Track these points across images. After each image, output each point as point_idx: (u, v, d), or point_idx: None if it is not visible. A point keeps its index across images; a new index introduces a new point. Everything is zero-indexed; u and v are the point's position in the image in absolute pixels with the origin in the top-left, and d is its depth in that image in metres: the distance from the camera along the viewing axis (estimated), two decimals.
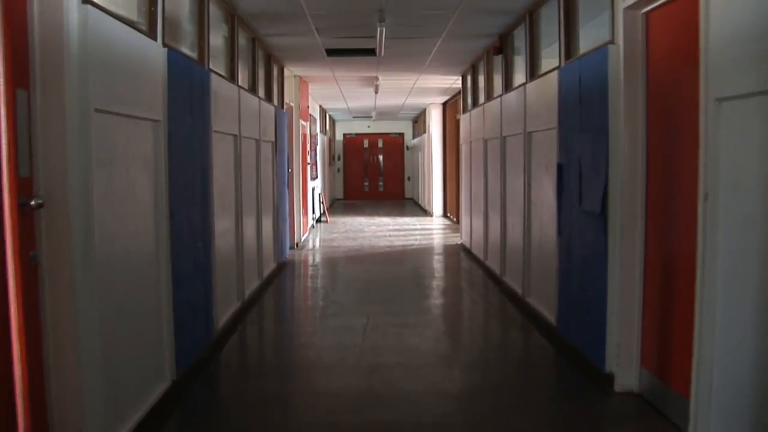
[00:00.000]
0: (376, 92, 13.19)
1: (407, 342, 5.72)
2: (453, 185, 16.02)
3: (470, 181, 10.32)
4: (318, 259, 10.66)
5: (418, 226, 15.06)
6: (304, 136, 12.68)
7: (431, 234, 13.77)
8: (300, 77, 11.46)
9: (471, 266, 9.53)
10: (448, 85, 13.23)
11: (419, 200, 21.14)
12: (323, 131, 18.67)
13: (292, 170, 11.04)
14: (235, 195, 6.44)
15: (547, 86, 5.82)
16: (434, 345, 5.75)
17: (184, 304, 4.52)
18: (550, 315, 5.74)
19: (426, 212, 18.42)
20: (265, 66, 8.78)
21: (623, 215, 4.21)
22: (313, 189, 14.99)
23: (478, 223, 9.58)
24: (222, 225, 5.85)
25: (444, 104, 17.05)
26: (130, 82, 3.64)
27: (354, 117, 22.31)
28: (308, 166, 13.07)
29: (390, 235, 13.22)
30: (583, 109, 4.85)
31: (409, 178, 24.69)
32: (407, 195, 24.70)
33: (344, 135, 24.79)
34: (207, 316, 5.23)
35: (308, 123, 13.40)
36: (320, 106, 17.48)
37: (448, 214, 16.81)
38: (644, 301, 4.18)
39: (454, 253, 10.85)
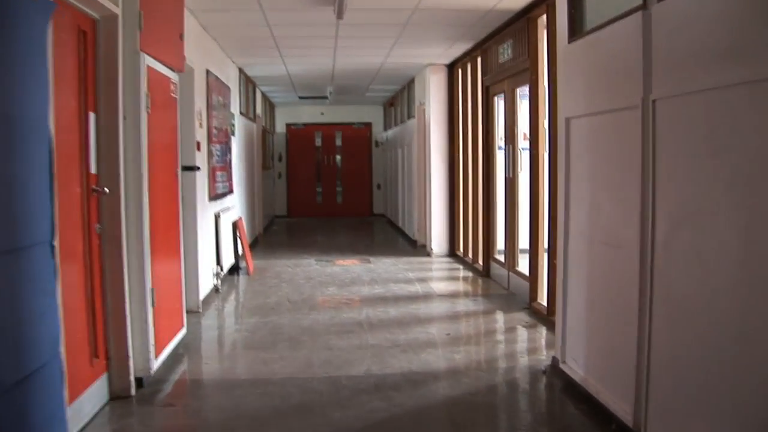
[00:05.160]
0: (340, 16, 6.14)
1: None
2: (475, 205, 9.04)
3: (637, 198, 3.38)
4: None
5: (419, 288, 7.91)
6: (167, 108, 5.54)
7: (453, 316, 6.73)
8: None
9: None
10: (492, 4, 6.27)
11: (400, 222, 14.01)
12: (249, 115, 11.45)
13: (102, 190, 3.90)
14: None
15: None
16: None
17: None
18: None
19: (415, 245, 11.36)
20: None
21: None
22: (218, 217, 7.85)
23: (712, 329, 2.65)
24: None
25: (451, 66, 10.06)
26: None
27: (301, 98, 15.09)
28: (178, 178, 5.95)
29: (373, 326, 6.13)
30: None
31: (379, 187, 17.61)
32: (376, 210, 17.59)
33: (287, 126, 17.57)
34: None
35: (193, 82, 6.26)
36: (240, 70, 10.30)
37: (460, 253, 9.83)
38: None
39: None
